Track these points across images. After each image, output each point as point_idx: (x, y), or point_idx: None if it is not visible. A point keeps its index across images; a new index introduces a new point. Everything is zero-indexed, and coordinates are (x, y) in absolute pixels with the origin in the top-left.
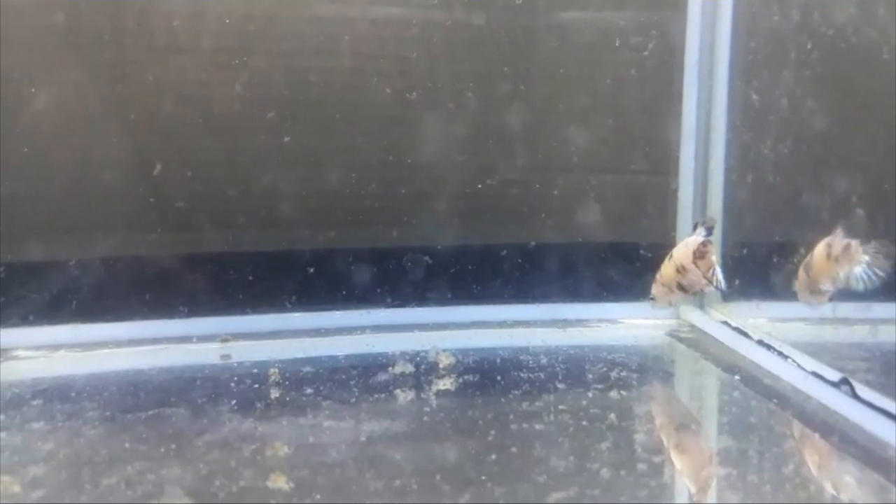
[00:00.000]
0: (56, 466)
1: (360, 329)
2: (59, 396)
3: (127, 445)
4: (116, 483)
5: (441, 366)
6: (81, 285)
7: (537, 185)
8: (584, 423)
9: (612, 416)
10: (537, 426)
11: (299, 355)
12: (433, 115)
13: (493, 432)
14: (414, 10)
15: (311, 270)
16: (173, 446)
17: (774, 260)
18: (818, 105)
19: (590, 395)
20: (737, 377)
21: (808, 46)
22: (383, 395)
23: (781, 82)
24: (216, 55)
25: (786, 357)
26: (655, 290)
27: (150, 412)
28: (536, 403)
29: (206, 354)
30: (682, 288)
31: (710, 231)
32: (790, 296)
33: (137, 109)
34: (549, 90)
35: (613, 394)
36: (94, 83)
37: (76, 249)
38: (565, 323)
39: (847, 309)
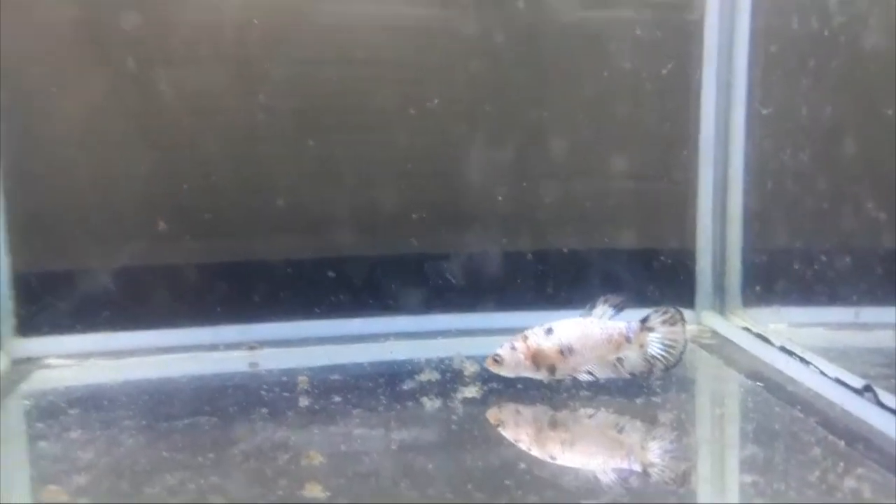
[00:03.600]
0: (98, 475)
1: (384, 336)
2: (94, 405)
3: (165, 454)
4: (159, 492)
5: (466, 374)
6: (110, 294)
7: (556, 192)
8: (611, 430)
9: (638, 423)
10: (563, 434)
11: (325, 363)
12: (452, 123)
13: (521, 441)
14: (432, 20)
15: (332, 276)
16: (211, 455)
17: (794, 266)
18: (838, 111)
19: (615, 402)
20: (759, 384)
21: (828, 52)
22: (411, 403)
23: (801, 88)
24: (239, 66)
25: (808, 363)
26: (507, 355)
27: (185, 421)
28: (562, 411)
29: (234, 362)
30: (550, 369)
31: (618, 309)
32: (809, 301)
33: (164, 120)
34: (567, 97)
35: (639, 401)
36: (120, 94)
37: (104, 258)
38: None
39: (868, 314)
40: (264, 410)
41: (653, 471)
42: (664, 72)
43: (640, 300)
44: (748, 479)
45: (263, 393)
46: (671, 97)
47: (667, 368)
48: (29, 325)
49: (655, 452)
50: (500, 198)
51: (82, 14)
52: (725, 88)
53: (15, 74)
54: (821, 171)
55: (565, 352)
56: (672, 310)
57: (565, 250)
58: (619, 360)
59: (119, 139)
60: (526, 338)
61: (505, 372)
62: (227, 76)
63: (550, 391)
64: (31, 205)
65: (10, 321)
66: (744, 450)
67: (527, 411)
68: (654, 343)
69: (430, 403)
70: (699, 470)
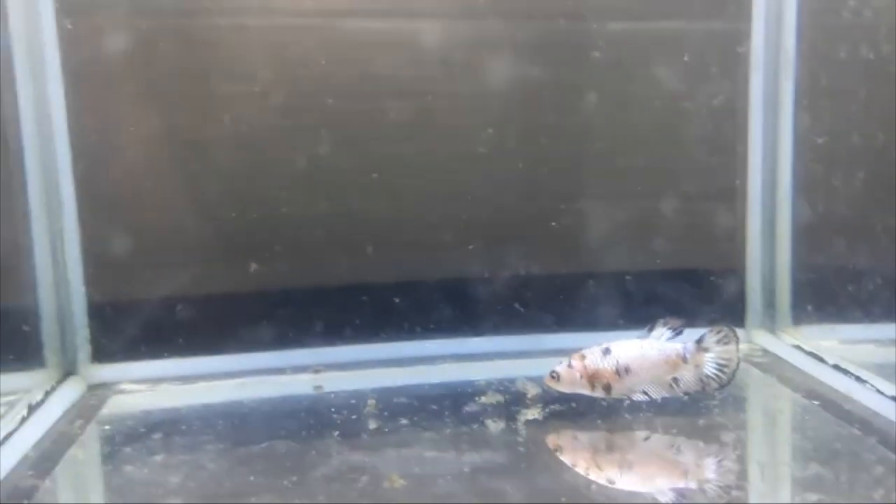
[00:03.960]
0: (189, 499)
1: (443, 358)
2: (173, 429)
3: (252, 479)
4: None
5: (528, 396)
6: (180, 321)
7: (607, 214)
8: (671, 451)
9: (700, 443)
10: (629, 456)
11: (388, 384)
12: (495, 147)
13: (584, 462)
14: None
15: (397, 301)
16: (294, 479)
17: (844, 283)
18: (889, 132)
19: (675, 422)
20: (815, 402)
21: (877, 78)
22: (476, 426)
23: (850, 109)
24: (295, 96)
25: (863, 381)
26: (565, 373)
27: (263, 445)
28: (622, 432)
29: (299, 386)
30: (606, 388)
31: (677, 332)
32: (859, 318)
33: (231, 149)
34: (613, 116)
35: (700, 422)
36: (191, 124)
37: (174, 287)
38: None
39: None
40: (336, 433)
41: (715, 491)
42: (714, 99)
43: (691, 320)
44: (813, 497)
45: (334, 416)
46: (720, 120)
47: (720, 387)
48: (104, 351)
49: (718, 472)
50: (553, 224)
51: (150, 42)
52: (773, 112)
53: (87, 106)
54: (870, 191)
55: (621, 372)
56: (726, 329)
57: (617, 272)
58: (675, 380)
59: (190, 169)
60: (584, 357)
61: (562, 388)
62: (296, 103)
63: (609, 412)
64: (105, 236)
65: (86, 348)
66: (806, 469)
67: (583, 436)
68: (710, 363)
69: (495, 425)
70: (763, 489)
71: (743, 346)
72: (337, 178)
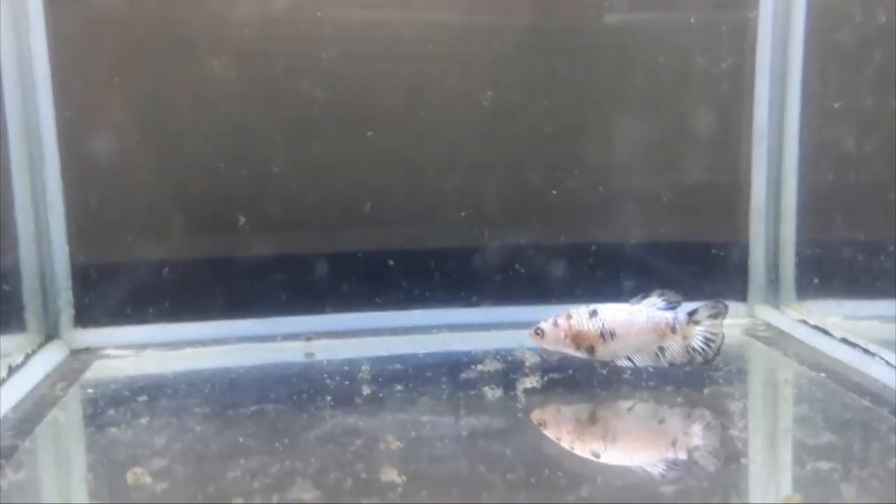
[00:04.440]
0: (176, 459)
1: (437, 328)
2: (159, 393)
3: (241, 440)
4: (241, 475)
5: (527, 364)
6: (166, 286)
7: (607, 186)
8: (679, 419)
9: (707, 412)
10: (631, 423)
11: (382, 353)
12: (504, 118)
13: (587, 429)
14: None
15: (392, 264)
16: (286, 440)
17: (850, 258)
18: None
19: (680, 392)
20: (823, 374)
21: (893, 36)
22: (473, 392)
23: (862, 77)
24: (294, 60)
25: (873, 354)
26: (549, 330)
27: (252, 408)
28: (625, 401)
29: (290, 353)
30: (589, 350)
31: (672, 306)
32: (865, 294)
33: (220, 112)
34: (620, 91)
35: (705, 391)
36: (177, 86)
37: (160, 250)
38: None
39: None
40: (329, 398)
41: (722, 458)
42: (722, 66)
43: (691, 293)
44: (826, 465)
45: (327, 381)
46: (725, 90)
47: (705, 362)
48: (87, 316)
49: (724, 441)
50: (554, 192)
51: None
52: (780, 80)
53: (70, 68)
54: (879, 162)
55: (606, 335)
56: (720, 304)
57: (616, 243)
58: (661, 349)
59: (176, 131)
60: (570, 316)
61: (545, 345)
62: (284, 71)
63: (610, 381)
64: (89, 197)
65: (68, 312)
66: (819, 438)
67: (574, 408)
68: (698, 336)
69: (492, 392)
70: (779, 458)
71: (745, 321)
72: (331, 140)
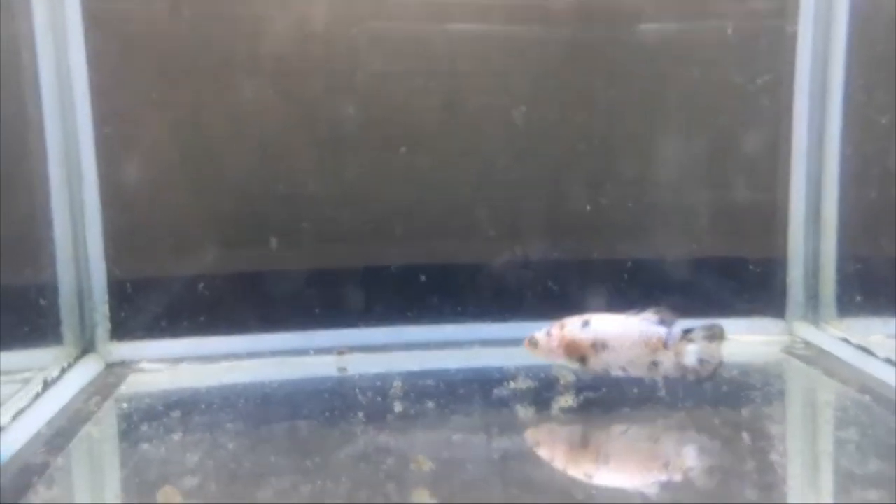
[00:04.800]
0: (207, 478)
1: (469, 343)
2: (192, 408)
3: (273, 459)
4: (272, 495)
5: (561, 382)
6: (202, 300)
7: (645, 202)
8: (718, 442)
9: (745, 435)
10: (668, 446)
11: (414, 368)
12: (538, 133)
13: (617, 452)
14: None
15: (424, 279)
16: (317, 459)
17: (892, 275)
18: None
19: (718, 412)
20: (868, 397)
21: None
22: (505, 410)
23: None
24: (329, 78)
25: None
26: (542, 340)
27: (285, 424)
28: (661, 422)
29: (323, 367)
30: (581, 360)
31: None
32: None
33: (255, 131)
34: (659, 106)
35: (743, 412)
36: (215, 104)
37: (196, 265)
38: None
39: None
40: (361, 415)
41: (771, 486)
42: (760, 81)
43: (728, 310)
44: (874, 495)
45: (359, 397)
46: (764, 104)
47: (699, 382)
48: (123, 329)
49: (764, 466)
50: (588, 207)
51: (172, 28)
52: (820, 94)
53: (109, 88)
54: None
55: (598, 346)
56: (717, 327)
57: (653, 259)
58: (654, 363)
59: (212, 148)
60: (563, 326)
61: (538, 355)
62: (317, 88)
63: (644, 400)
64: (126, 212)
65: (105, 325)
66: (868, 465)
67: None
68: (691, 355)
69: (524, 411)
70: (821, 486)
71: (784, 338)
72: (365, 155)
